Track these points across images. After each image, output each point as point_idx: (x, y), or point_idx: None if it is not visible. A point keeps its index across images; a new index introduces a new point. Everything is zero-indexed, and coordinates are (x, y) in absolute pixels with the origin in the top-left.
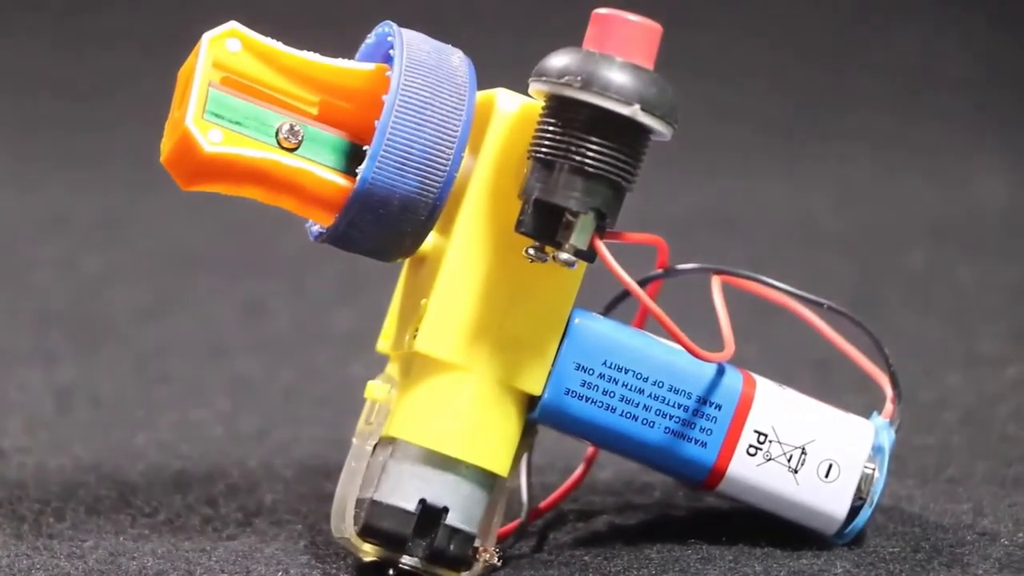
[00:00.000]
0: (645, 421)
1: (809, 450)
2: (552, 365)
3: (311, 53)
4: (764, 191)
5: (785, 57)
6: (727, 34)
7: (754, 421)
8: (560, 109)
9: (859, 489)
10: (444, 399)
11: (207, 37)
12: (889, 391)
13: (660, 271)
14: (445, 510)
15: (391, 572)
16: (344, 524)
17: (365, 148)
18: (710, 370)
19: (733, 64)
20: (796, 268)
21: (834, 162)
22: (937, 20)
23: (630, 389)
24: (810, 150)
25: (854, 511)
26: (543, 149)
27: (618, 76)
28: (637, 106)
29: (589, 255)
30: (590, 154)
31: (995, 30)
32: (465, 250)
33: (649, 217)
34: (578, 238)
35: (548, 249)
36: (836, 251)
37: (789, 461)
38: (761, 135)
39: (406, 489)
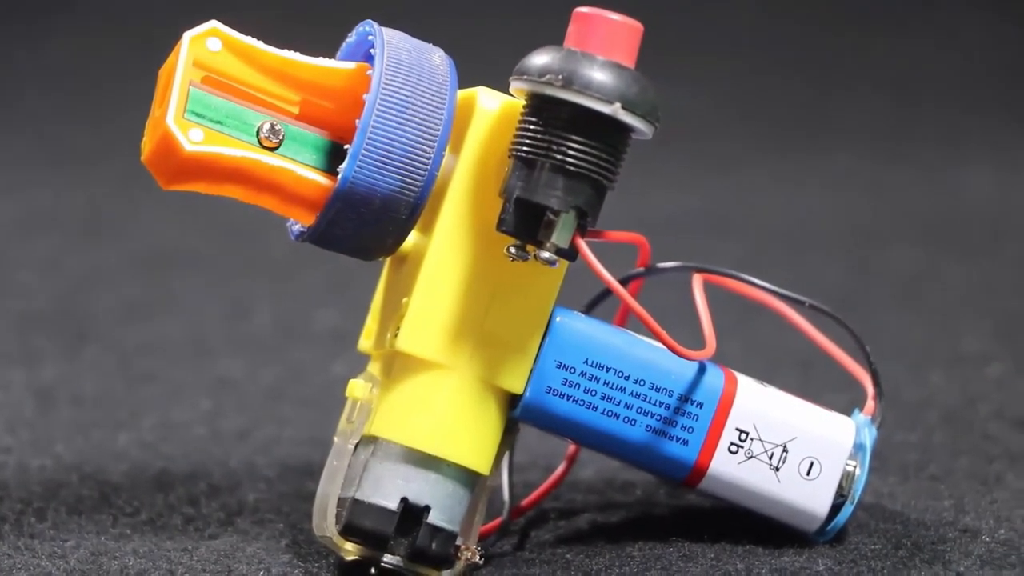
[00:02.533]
0: (627, 419)
1: (791, 448)
2: (534, 363)
3: (292, 52)
4: (747, 190)
5: (771, 56)
6: (713, 33)
7: (736, 419)
8: (541, 108)
9: (840, 487)
10: (426, 398)
11: (187, 36)
12: (871, 389)
13: (642, 269)
14: (427, 509)
15: (373, 571)
16: (326, 523)
17: (346, 147)
18: (691, 368)
19: (716, 63)
20: (780, 267)
21: (819, 161)
22: (926, 21)
23: (611, 387)
24: (795, 150)
25: (835, 509)
26: (524, 147)
27: (599, 75)
28: (618, 104)
29: (570, 254)
30: (571, 152)
31: (983, 31)
32: (446, 249)
33: (631, 216)
34: (559, 236)
35: (529, 248)
36: (820, 250)
37: (771, 459)
38: (745, 134)
39: (388, 488)
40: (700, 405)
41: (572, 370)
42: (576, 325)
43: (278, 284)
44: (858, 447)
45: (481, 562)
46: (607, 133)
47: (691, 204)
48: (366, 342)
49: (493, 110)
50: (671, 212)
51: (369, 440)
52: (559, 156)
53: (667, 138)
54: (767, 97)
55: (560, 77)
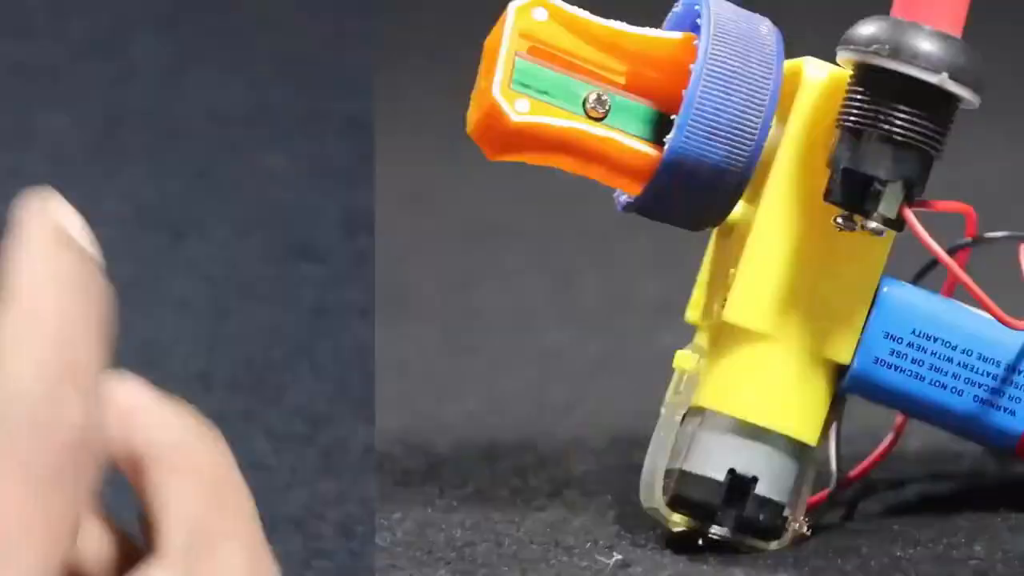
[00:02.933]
0: (954, 389)
1: None
2: (861, 334)
3: (618, 22)
4: None
5: None
6: None
7: None
8: (868, 78)
9: None
10: (753, 369)
11: (513, 7)
12: None
13: (969, 239)
14: (755, 480)
15: (700, 542)
16: (653, 495)
17: (673, 117)
18: (1019, 338)
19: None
20: None
21: None
22: None
23: (939, 357)
24: None
25: None
26: (851, 118)
27: (926, 44)
28: (945, 74)
29: (898, 224)
30: (899, 123)
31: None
32: (773, 219)
33: (955, 184)
34: (886, 207)
35: (856, 218)
36: None
37: None
38: None
39: (715, 459)
40: None
41: (899, 340)
42: (903, 295)
43: (604, 255)
44: None
45: (809, 533)
46: (934, 103)
47: (1009, 171)
48: (693, 313)
49: (820, 80)
50: (989, 179)
51: (696, 411)
52: (886, 126)
53: (982, 104)
54: None
55: (887, 47)
